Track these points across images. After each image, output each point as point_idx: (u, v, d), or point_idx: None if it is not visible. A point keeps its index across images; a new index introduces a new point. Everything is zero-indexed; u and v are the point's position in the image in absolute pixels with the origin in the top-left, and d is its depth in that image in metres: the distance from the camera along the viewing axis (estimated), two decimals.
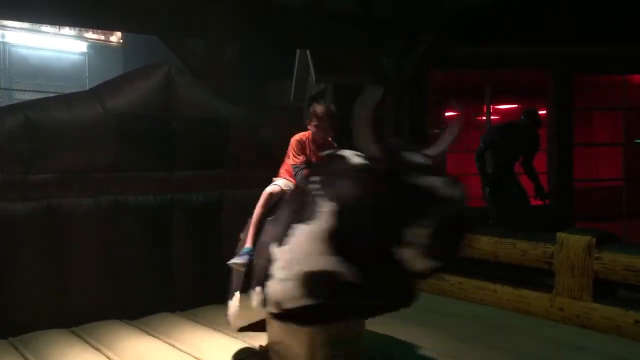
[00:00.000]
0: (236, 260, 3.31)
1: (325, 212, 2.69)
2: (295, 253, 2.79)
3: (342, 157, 2.92)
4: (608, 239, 4.60)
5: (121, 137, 4.84)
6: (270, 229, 3.17)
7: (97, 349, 4.04)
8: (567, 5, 9.25)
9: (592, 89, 10.28)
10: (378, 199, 2.53)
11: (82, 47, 18.12)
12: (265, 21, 7.42)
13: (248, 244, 3.31)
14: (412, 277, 2.69)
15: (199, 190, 5.19)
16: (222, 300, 3.67)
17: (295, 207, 2.96)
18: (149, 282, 4.90)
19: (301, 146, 3.45)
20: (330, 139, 3.49)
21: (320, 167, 3.13)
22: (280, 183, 3.48)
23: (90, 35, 18.06)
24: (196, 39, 7.04)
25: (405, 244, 2.43)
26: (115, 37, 18.47)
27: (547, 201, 7.15)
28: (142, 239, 4.88)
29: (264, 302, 2.96)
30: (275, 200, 3.39)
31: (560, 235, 4.73)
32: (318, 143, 3.46)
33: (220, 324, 4.34)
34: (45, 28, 16.63)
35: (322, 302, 2.77)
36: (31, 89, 15.04)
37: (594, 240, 4.51)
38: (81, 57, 18.02)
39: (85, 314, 4.55)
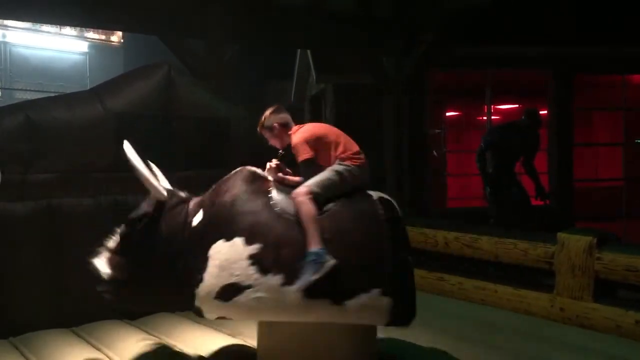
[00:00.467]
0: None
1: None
2: None
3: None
4: (608, 239, 4.60)
5: (121, 137, 4.83)
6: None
7: (98, 349, 4.03)
8: (567, 5, 9.26)
9: (592, 89, 10.29)
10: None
11: (83, 46, 18.14)
12: (265, 21, 7.42)
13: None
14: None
15: (199, 190, 5.18)
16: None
17: None
18: None
19: None
20: (281, 151, 3.55)
21: None
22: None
23: (91, 35, 18.06)
24: (196, 39, 7.04)
25: None
26: (116, 37, 18.48)
27: (547, 201, 7.15)
28: None
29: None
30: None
31: (561, 235, 4.72)
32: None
33: (220, 324, 4.33)
34: (46, 28, 16.65)
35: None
36: (32, 89, 15.03)
37: (595, 240, 4.51)
38: (82, 56, 18.04)
39: (85, 314, 4.53)
